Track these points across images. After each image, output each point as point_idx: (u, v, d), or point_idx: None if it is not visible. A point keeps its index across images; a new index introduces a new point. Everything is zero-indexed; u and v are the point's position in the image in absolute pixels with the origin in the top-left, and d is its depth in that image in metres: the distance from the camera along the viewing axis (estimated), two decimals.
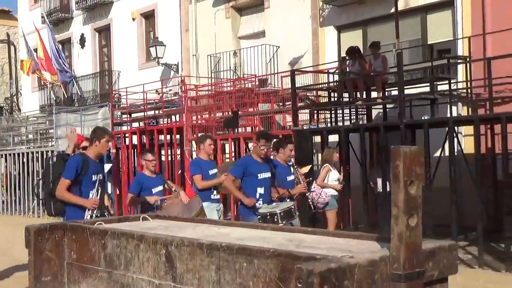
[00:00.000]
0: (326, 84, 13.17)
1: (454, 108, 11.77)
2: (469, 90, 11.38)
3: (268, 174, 7.15)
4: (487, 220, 10.24)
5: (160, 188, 7.48)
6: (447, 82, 11.23)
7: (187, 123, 14.25)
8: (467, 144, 11.12)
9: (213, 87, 16.55)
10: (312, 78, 14.57)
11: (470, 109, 11.54)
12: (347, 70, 12.28)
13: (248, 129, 14.58)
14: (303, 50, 15.56)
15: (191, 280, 3.22)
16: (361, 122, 12.54)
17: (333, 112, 12.43)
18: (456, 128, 10.19)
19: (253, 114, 14.17)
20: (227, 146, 14.20)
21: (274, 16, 16.53)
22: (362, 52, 12.99)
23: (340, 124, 11.94)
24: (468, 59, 11.19)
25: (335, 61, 14.31)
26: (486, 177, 9.89)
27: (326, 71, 13.40)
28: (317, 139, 11.47)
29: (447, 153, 9.47)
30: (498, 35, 11.15)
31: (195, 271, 3.19)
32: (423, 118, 10.03)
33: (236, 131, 13.68)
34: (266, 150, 7.18)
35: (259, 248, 2.90)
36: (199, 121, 15.06)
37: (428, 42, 13.31)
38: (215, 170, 8.25)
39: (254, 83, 15.47)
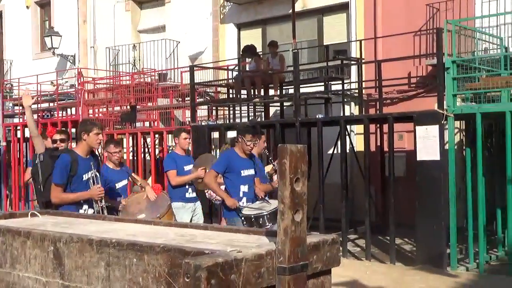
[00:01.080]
0: (225, 81, 13.29)
1: (347, 107, 12.25)
2: (361, 91, 11.87)
3: (251, 171, 6.70)
4: (376, 214, 10.78)
5: (125, 182, 6.89)
6: (340, 82, 11.68)
7: (83, 116, 13.86)
8: (358, 142, 11.62)
9: (111, 80, 16.21)
10: (212, 74, 14.64)
11: (363, 108, 12.04)
12: (247, 68, 12.46)
13: (146, 123, 14.43)
14: (203, 46, 15.59)
15: (80, 277, 3.18)
16: (258, 119, 12.76)
17: (231, 108, 12.56)
18: (348, 126, 10.63)
19: (152, 109, 14.04)
20: (124, 141, 13.97)
21: (175, 11, 16.44)
22: (261, 50, 13.24)
23: (238, 121, 12.08)
24: (360, 61, 11.68)
25: (234, 58, 14.45)
26: (375, 174, 10.39)
27: (226, 68, 13.52)
28: (216, 135, 11.55)
29: (340, 150, 9.85)
30: (388, 39, 11.74)
31: (84, 268, 3.15)
32: (317, 116, 10.36)
33: (134, 125, 13.49)
34: (253, 146, 6.67)
35: (149, 244, 2.91)
36: (96, 115, 14.71)
37: (324, 43, 13.76)
38: (191, 166, 7.76)
39: (153, 77, 15.32)
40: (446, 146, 8.45)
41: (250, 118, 12.74)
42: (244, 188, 6.59)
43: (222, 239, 3.37)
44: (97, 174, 5.69)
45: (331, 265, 3.15)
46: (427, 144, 8.32)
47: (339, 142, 9.91)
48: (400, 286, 7.40)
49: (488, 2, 10.35)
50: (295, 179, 2.80)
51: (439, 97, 8.48)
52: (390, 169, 8.90)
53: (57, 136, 7.01)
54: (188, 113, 12.54)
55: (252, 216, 6.24)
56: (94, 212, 5.49)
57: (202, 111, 13.32)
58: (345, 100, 11.85)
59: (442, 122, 8.31)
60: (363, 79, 11.81)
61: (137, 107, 13.36)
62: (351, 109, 12.55)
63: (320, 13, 13.87)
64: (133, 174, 7.41)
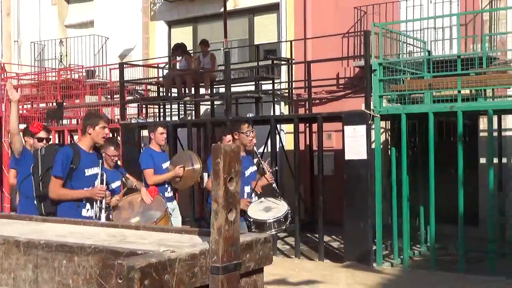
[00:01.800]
0: (156, 79, 13.15)
1: (277, 107, 12.39)
2: (291, 91, 12.03)
3: (254, 168, 6.26)
4: (305, 212, 10.96)
5: (119, 183, 6.41)
6: (271, 82, 11.79)
7: (7, 113, 13.35)
8: (288, 141, 11.78)
9: (37, 76, 15.70)
10: (142, 72, 14.45)
11: (293, 108, 12.20)
12: (177, 66, 12.39)
13: (74, 121, 14.07)
14: (133, 43, 15.36)
15: (6, 280, 3.08)
16: (189, 118, 12.70)
17: (161, 107, 12.45)
18: (278, 125, 10.75)
19: (80, 106, 13.70)
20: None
21: (104, 6, 16.11)
22: (192, 49, 13.18)
23: (168, 119, 11.99)
24: (290, 61, 11.84)
25: (165, 56, 14.32)
26: (304, 172, 10.56)
27: (156, 65, 13.37)
28: (146, 133, 11.40)
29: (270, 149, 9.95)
30: (317, 41, 11.96)
31: (11, 271, 3.05)
32: (248, 115, 10.43)
33: (61, 123, 13.13)
34: (254, 136, 6.13)
35: (80, 245, 2.85)
36: (20, 112, 14.20)
37: (255, 43, 13.86)
38: (168, 163, 7.40)
39: (81, 74, 14.95)
40: (373, 146, 8.70)
41: (181, 116, 12.66)
42: (247, 189, 6.10)
43: (155, 239, 3.35)
44: (104, 173, 5.39)
45: (264, 264, 3.18)
46: (355, 143, 8.54)
47: (269, 141, 10.01)
48: (329, 283, 7.56)
49: (412, 7, 10.73)
50: (228, 179, 2.82)
51: (366, 98, 8.71)
52: (319, 167, 9.06)
53: (43, 134, 6.36)
54: (117, 111, 12.32)
55: (266, 221, 5.78)
56: (92, 213, 5.21)
57: (131, 109, 13.13)
58: (276, 99, 11.98)
59: (369, 122, 8.55)
60: (293, 79, 11.98)
61: (64, 104, 13.01)
62: (281, 109, 12.70)
63: (251, 13, 13.95)
64: (127, 175, 6.79)
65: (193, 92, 11.86)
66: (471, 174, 10.29)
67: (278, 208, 5.93)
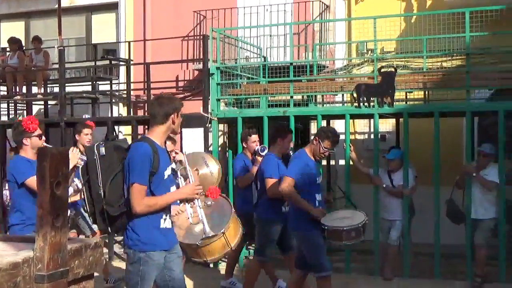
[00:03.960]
0: None
1: (115, 108, 12.12)
2: (129, 92, 11.83)
3: (320, 176, 5.97)
4: None
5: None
6: (109, 82, 11.52)
7: None
8: None
9: None
10: None
11: (131, 110, 12.00)
12: (7, 62, 11.65)
13: None
14: None
15: None
16: (20, 118, 11.99)
17: None
18: (116, 127, 10.53)
19: None
20: None
21: None
22: (24, 45, 12.48)
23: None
24: (128, 62, 11.65)
25: None
26: None
27: None
28: None
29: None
30: (157, 42, 11.90)
31: None
32: (84, 116, 10.09)
33: None
34: (328, 154, 5.88)
35: None
36: None
37: (93, 42, 13.44)
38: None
39: None
40: (211, 148, 8.85)
41: (11, 116, 11.92)
42: (318, 197, 5.79)
43: None
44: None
45: (94, 270, 3.12)
46: (193, 146, 8.63)
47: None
48: None
49: (250, 14, 11.08)
50: (55, 183, 2.73)
51: (204, 101, 8.85)
52: None
53: (39, 131, 5.39)
54: None
55: (352, 227, 5.53)
56: (169, 223, 4.25)
57: None
58: (113, 100, 11.72)
59: (207, 125, 8.69)
60: (132, 81, 11.80)
61: None
62: (119, 110, 12.45)
63: (88, 11, 13.52)
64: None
65: (24, 90, 11.22)
66: None
67: (354, 217, 5.73)
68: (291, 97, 8.71)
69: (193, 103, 11.16)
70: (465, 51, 8.35)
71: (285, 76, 9.04)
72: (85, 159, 4.87)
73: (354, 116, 8.75)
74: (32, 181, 5.03)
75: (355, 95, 8.16)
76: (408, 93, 9.09)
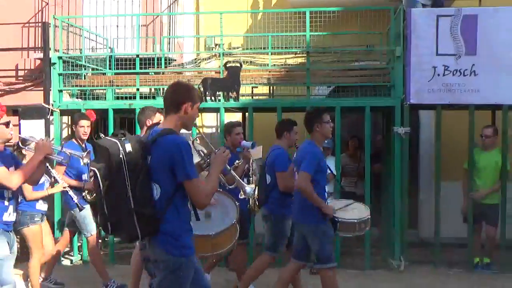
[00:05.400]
0: None
1: None
2: None
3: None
4: None
5: None
6: None
7: None
8: None
9: None
10: None
11: None
12: None
13: None
14: None
15: None
16: None
17: None
18: None
19: None
20: None
21: None
22: None
23: None
24: None
25: None
26: None
27: None
28: None
29: None
30: None
31: None
32: None
33: None
34: (333, 126, 5.80)
35: None
36: None
37: None
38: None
39: None
40: (53, 142, 8.45)
41: None
42: (328, 189, 5.96)
43: None
44: None
45: None
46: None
47: None
48: None
49: (96, 3, 10.72)
50: None
51: (45, 91, 8.44)
52: None
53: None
54: None
55: (358, 220, 5.66)
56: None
57: None
58: None
59: (48, 117, 8.30)
60: None
61: None
62: None
63: None
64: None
65: None
66: None
67: (359, 208, 5.90)
68: (138, 89, 8.59)
69: (34, 94, 10.59)
70: (305, 49, 8.77)
71: (132, 68, 8.91)
72: (83, 154, 5.19)
73: (200, 110, 8.82)
74: None
75: (201, 89, 8.23)
76: (253, 88, 9.36)
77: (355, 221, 5.64)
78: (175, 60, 10.63)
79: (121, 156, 3.63)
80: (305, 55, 8.78)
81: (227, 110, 8.45)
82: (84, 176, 6.68)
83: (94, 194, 6.30)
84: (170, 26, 10.89)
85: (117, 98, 8.90)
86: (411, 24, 7.60)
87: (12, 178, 4.61)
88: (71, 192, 6.34)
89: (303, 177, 5.41)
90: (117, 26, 10.70)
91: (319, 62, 9.79)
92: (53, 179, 6.45)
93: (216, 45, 10.68)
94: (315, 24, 9.32)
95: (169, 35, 10.78)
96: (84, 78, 9.15)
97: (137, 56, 8.70)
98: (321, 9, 9.13)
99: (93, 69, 9.51)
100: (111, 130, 8.26)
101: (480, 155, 7.88)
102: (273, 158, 6.21)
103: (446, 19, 7.55)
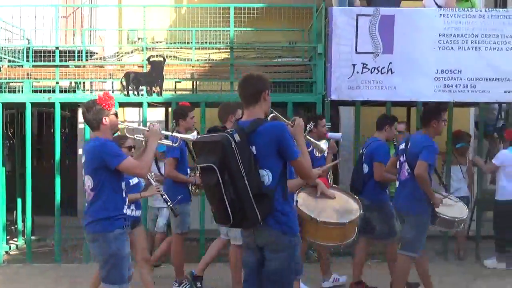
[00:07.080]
0: None
1: None
2: None
3: None
4: None
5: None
6: None
7: None
8: None
9: None
10: None
11: None
12: None
13: None
14: None
15: None
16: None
17: None
18: None
19: None
20: None
21: None
22: None
23: None
24: None
25: None
26: None
27: None
28: None
29: None
30: None
31: None
32: None
33: None
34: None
35: None
36: None
37: None
38: None
39: None
40: None
41: None
42: None
43: None
44: None
45: None
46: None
47: None
48: None
49: None
50: None
51: None
52: None
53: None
54: None
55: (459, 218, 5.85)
56: None
57: None
58: None
59: None
60: None
61: None
62: None
63: None
64: None
65: None
66: (71, 165, 10.52)
67: (456, 206, 6.04)
68: (57, 83, 8.36)
69: None
70: (229, 44, 8.81)
71: (51, 61, 8.65)
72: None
73: (123, 104, 8.71)
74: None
75: (124, 83, 8.11)
76: (177, 83, 9.32)
77: (455, 219, 5.81)
78: (96, 53, 10.40)
79: (233, 146, 3.77)
80: (229, 50, 8.82)
81: (150, 105, 8.36)
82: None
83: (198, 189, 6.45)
84: (91, 19, 10.64)
85: (36, 91, 8.61)
86: (332, 22, 7.78)
87: (142, 166, 4.41)
88: (165, 196, 5.92)
89: (424, 166, 5.56)
90: (35, 17, 10.35)
91: (243, 58, 9.86)
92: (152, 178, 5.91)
93: (139, 39, 10.53)
94: (239, 20, 9.37)
95: (90, 27, 10.54)
96: (0, 70, 8.80)
97: (57, 48, 8.45)
98: (246, 5, 9.20)
99: (9, 61, 9.16)
100: (29, 124, 7.99)
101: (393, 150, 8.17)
102: (373, 149, 6.44)
103: (365, 18, 7.78)
